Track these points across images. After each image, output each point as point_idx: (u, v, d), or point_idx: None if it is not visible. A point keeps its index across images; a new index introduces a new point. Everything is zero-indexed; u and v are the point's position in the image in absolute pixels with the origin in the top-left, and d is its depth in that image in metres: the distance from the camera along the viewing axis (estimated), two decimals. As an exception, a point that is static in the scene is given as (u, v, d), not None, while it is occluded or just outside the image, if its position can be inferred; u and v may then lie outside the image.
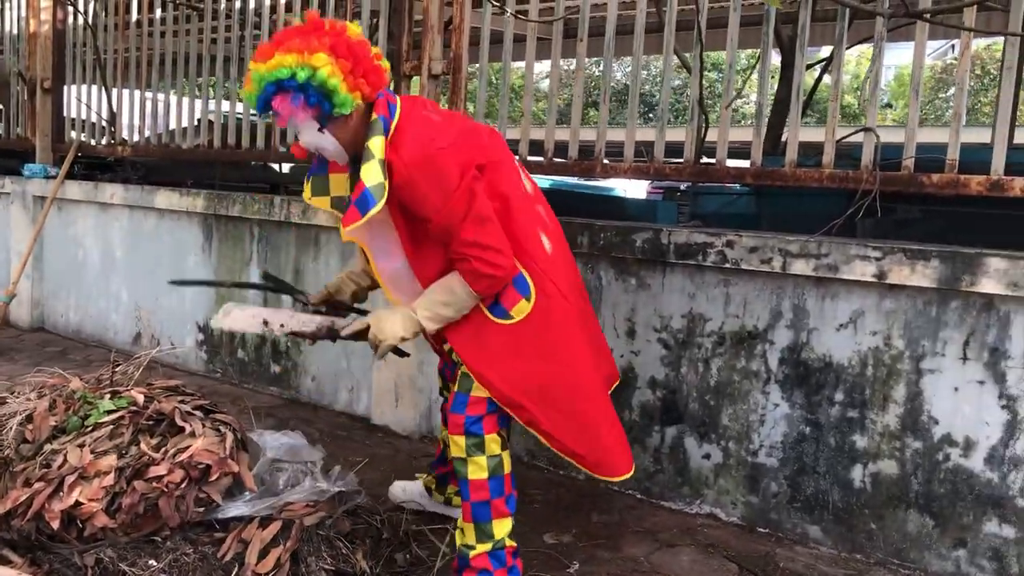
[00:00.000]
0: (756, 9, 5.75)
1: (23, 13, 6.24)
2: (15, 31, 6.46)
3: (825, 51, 9.64)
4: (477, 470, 2.41)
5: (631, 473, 2.55)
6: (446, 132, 2.29)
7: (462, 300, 2.33)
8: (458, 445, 2.42)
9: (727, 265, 3.14)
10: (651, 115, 23.06)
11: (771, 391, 3.13)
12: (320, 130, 2.29)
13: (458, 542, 2.53)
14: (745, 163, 3.33)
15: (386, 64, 2.34)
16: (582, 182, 9.68)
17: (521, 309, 2.35)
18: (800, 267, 3.00)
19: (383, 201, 2.23)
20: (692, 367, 3.29)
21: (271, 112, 2.25)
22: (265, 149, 4.92)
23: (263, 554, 2.42)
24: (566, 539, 3.01)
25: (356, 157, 2.37)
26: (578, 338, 2.46)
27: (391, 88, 2.46)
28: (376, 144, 2.24)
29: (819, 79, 5.37)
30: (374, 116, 2.28)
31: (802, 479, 3.07)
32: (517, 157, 2.96)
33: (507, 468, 2.47)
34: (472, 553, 2.46)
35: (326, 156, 2.43)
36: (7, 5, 6.50)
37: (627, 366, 3.44)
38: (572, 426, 2.46)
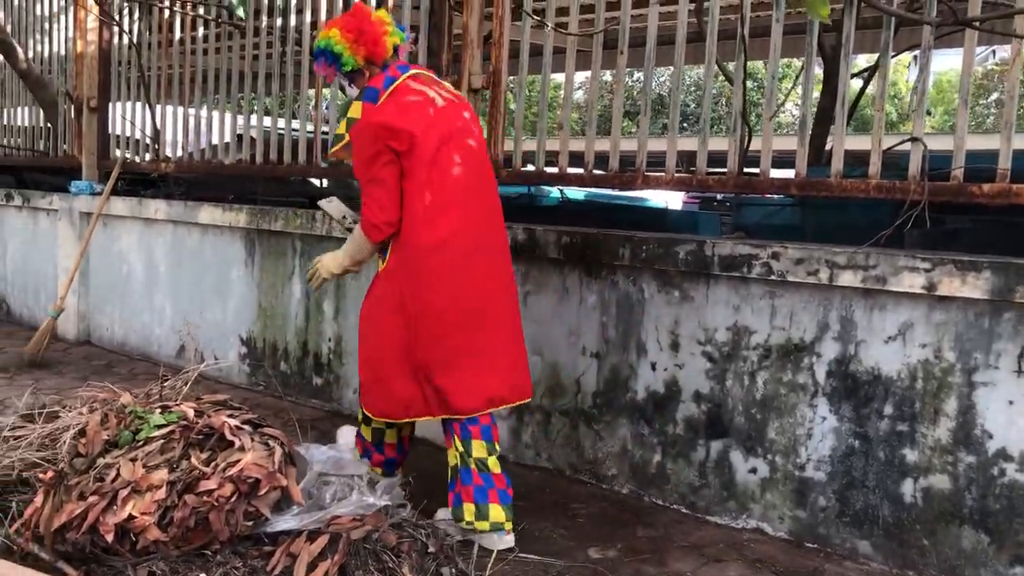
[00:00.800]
0: (798, 18, 5.70)
1: (71, 34, 6.38)
2: (63, 52, 6.60)
3: (862, 59, 9.54)
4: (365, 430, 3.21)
5: (392, 419, 3.05)
6: (392, 115, 2.90)
7: (359, 240, 3.03)
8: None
9: (773, 277, 3.11)
10: (684, 124, 22.96)
11: (818, 404, 3.09)
12: (349, 84, 3.13)
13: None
14: (788, 173, 3.30)
15: (395, 39, 3.04)
16: (617, 193, 9.65)
17: (380, 266, 3.05)
18: (847, 279, 2.97)
19: (338, 146, 3.13)
20: (737, 380, 3.26)
21: (324, 76, 3.20)
22: (306, 164, 4.97)
23: (311, 567, 2.44)
24: (611, 554, 3.00)
25: None
26: (391, 318, 2.99)
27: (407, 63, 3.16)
28: (354, 107, 3.05)
29: (863, 88, 5.31)
30: (366, 86, 3.02)
31: (851, 493, 3.02)
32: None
33: (389, 439, 3.23)
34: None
35: None
36: (55, 27, 6.64)
37: (671, 380, 3.42)
38: (371, 361, 3.08)
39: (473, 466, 2.95)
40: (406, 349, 2.95)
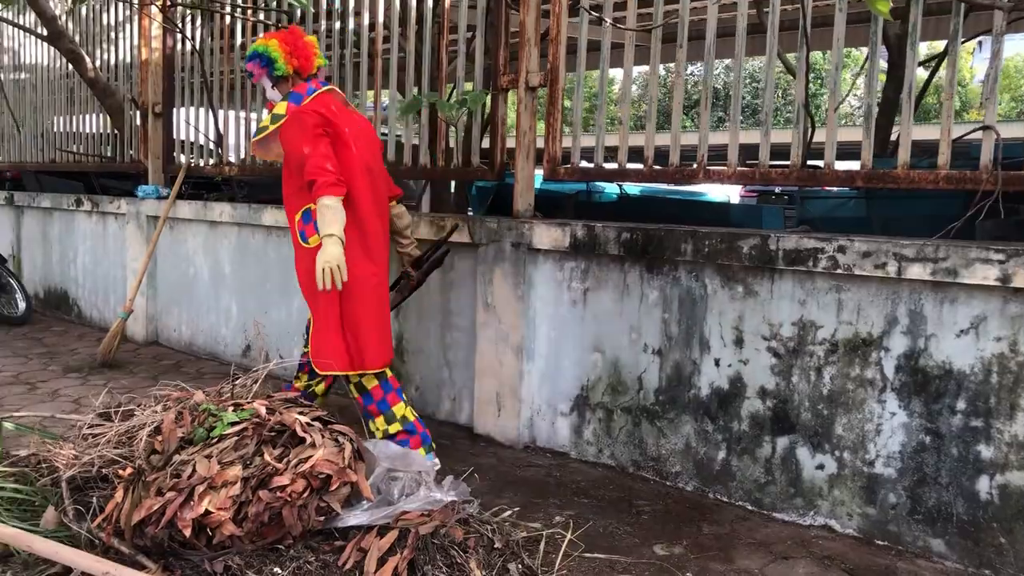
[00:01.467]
0: (860, 7, 5.60)
1: (135, 42, 6.54)
2: (128, 60, 6.77)
3: (923, 47, 9.31)
4: (371, 379, 3.58)
5: (339, 371, 3.49)
6: (317, 108, 3.46)
7: (330, 209, 3.32)
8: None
9: (839, 271, 3.07)
10: (741, 117, 22.66)
11: (887, 400, 3.03)
12: (272, 88, 3.67)
13: (379, 436, 3.54)
14: (853, 165, 3.25)
15: (320, 60, 3.69)
16: (674, 188, 9.58)
17: (313, 241, 3.48)
18: (916, 271, 2.91)
19: (260, 135, 3.70)
20: (804, 376, 3.21)
21: (250, 73, 3.67)
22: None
23: (381, 562, 2.47)
24: (677, 550, 2.98)
25: None
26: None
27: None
28: (280, 106, 3.60)
29: (930, 77, 5.19)
30: (293, 91, 3.60)
31: (923, 490, 2.97)
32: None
33: (389, 374, 3.65)
34: (391, 430, 3.56)
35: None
36: (121, 35, 6.82)
37: (735, 376, 3.39)
38: (321, 321, 3.52)
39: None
40: (339, 312, 3.50)
